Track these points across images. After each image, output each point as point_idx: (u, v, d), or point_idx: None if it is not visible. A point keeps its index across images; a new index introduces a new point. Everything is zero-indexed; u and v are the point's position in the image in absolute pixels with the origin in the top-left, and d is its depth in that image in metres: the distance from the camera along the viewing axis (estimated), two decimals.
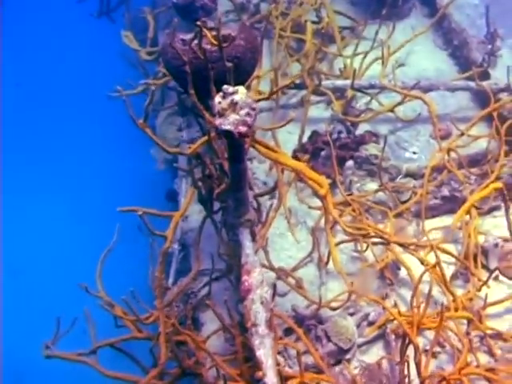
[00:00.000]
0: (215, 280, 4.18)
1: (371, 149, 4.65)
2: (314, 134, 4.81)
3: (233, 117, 2.66)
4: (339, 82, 5.06)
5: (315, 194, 3.81)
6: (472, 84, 4.97)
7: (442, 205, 4.52)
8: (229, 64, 3.02)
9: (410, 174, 4.65)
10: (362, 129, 4.99)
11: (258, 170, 4.85)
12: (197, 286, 4.24)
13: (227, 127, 2.65)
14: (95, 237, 4.75)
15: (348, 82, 5.00)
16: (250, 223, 3.18)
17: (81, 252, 6.52)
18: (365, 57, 5.29)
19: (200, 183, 3.59)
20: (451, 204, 4.50)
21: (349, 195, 4.49)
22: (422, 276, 3.62)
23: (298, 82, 5.09)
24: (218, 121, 2.67)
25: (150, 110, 3.31)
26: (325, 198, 3.19)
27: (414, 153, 4.87)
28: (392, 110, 4.83)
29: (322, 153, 4.71)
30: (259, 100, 3.28)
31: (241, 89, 2.77)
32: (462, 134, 4.51)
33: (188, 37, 3.67)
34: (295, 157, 4.78)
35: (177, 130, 5.28)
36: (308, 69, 5.04)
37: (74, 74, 8.35)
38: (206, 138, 3.40)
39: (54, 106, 8.41)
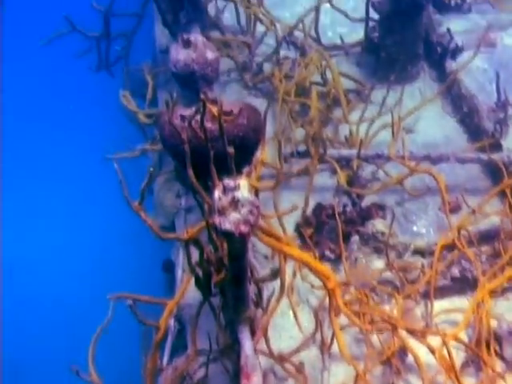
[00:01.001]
0: (212, 361, 3.96)
1: (378, 224, 4.48)
2: (318, 206, 4.64)
3: (234, 216, 2.49)
4: (345, 152, 4.91)
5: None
6: (484, 156, 4.80)
7: (452, 285, 4.32)
8: (230, 149, 2.84)
9: (418, 251, 4.46)
10: (368, 199, 4.80)
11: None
12: (192, 368, 4.02)
13: (227, 227, 2.47)
14: None
15: (354, 151, 4.85)
16: (249, 320, 2.99)
17: None
18: (371, 123, 5.13)
19: (197, 268, 3.40)
20: (461, 284, 4.31)
21: None
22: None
23: (301, 149, 4.94)
24: (217, 219, 2.49)
25: (146, 192, 3.13)
26: (332, 292, 3.00)
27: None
28: (400, 183, 4.64)
29: (327, 227, 4.51)
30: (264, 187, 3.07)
31: (242, 183, 2.59)
32: (474, 212, 4.33)
33: (187, 112, 3.52)
34: (298, 231, 4.62)
35: (175, 196, 5.10)
36: (312, 136, 4.88)
37: (71, 132, 8.32)
38: (204, 223, 3.21)
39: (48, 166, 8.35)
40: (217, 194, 2.59)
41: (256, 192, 2.92)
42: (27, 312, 8.93)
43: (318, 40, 6.20)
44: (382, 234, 4.44)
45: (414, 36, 5.61)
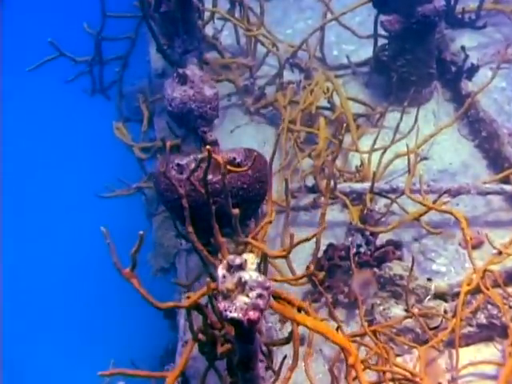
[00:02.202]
0: None
1: (395, 267, 4.16)
2: (330, 247, 4.33)
3: (241, 300, 2.18)
4: (357, 186, 4.60)
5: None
6: (507, 188, 4.49)
7: (479, 332, 4.00)
8: (235, 211, 2.53)
9: (439, 295, 4.14)
10: (383, 235, 4.51)
11: None
12: None
13: (234, 315, 2.16)
14: None
15: (366, 185, 4.53)
16: None
17: None
18: (384, 152, 4.83)
19: (201, 334, 3.09)
20: (489, 331, 4.00)
21: (370, 321, 4.00)
22: None
23: (310, 184, 4.64)
24: (222, 304, 2.19)
25: (137, 258, 2.80)
26: (353, 367, 2.69)
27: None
28: (417, 219, 4.32)
29: (340, 270, 4.22)
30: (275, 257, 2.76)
31: (250, 259, 2.28)
32: (500, 253, 4.02)
33: (185, 161, 3.22)
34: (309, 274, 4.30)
35: (174, 236, 4.79)
36: (321, 168, 4.58)
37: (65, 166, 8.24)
38: (205, 288, 2.90)
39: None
40: (221, 272, 2.28)
41: (265, 259, 2.60)
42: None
43: (323, 60, 5.88)
44: (400, 276, 4.12)
45: (426, 55, 5.31)
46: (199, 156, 3.29)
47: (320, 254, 4.36)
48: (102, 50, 5.82)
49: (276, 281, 3.01)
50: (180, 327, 4.38)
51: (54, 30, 5.70)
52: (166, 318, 4.87)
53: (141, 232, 2.63)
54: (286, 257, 2.74)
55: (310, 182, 4.81)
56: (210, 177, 3.09)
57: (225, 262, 2.31)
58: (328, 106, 5.37)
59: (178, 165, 3.21)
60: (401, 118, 4.86)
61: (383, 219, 4.67)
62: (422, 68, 5.35)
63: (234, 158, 3.20)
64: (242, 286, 2.22)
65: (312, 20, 6.58)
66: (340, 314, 4.27)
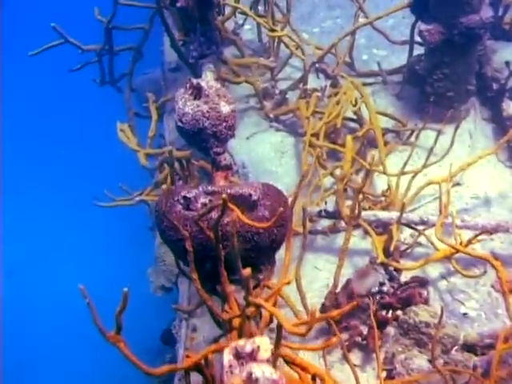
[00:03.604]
0: None
1: (422, 312, 3.74)
2: (349, 282, 3.92)
3: None
4: (383, 215, 4.17)
5: None
6: None
7: None
8: (246, 271, 2.12)
9: (468, 346, 3.73)
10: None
11: None
12: None
13: None
14: None
15: (394, 214, 4.11)
16: None
17: None
18: (414, 177, 4.40)
19: None
20: None
21: (389, 371, 3.60)
22: None
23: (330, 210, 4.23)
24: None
25: (122, 319, 2.39)
26: None
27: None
28: (448, 257, 3.91)
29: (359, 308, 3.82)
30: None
31: (263, 345, 1.88)
32: None
33: (193, 194, 2.80)
34: (323, 311, 3.92)
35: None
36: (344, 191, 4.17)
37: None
38: (210, 349, 2.50)
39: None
40: (227, 359, 1.88)
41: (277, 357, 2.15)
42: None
43: (351, 64, 5.44)
44: (426, 324, 3.71)
45: (465, 69, 4.88)
46: (210, 188, 2.87)
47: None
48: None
49: (292, 348, 2.60)
50: (178, 359, 4.01)
51: (60, 17, 5.24)
52: (164, 344, 4.49)
53: (125, 289, 2.24)
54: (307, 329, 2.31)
55: (330, 202, 4.38)
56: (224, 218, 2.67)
57: (233, 346, 1.91)
58: (354, 117, 4.92)
59: (185, 198, 2.80)
60: (435, 142, 4.41)
61: (409, 251, 4.27)
62: (461, 83, 4.92)
63: (250, 195, 2.79)
64: (252, 382, 1.82)
65: (341, 19, 6.16)
66: (356, 357, 3.88)
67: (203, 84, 3.33)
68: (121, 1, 5.06)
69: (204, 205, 2.84)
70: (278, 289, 2.45)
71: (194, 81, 3.36)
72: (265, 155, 5.06)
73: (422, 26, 4.75)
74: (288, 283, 2.44)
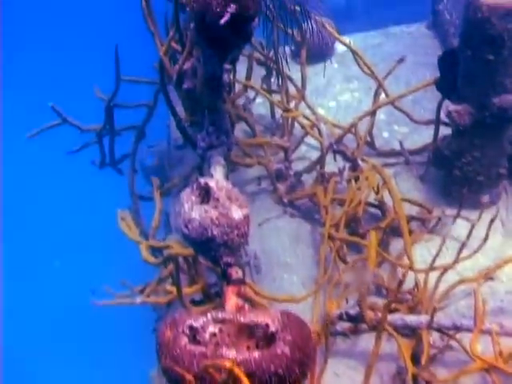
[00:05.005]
0: None
1: None
2: None
3: None
4: (411, 319, 3.78)
5: None
6: None
7: None
8: None
9: None
10: None
11: None
12: None
13: None
14: None
15: (423, 318, 3.73)
16: None
17: None
18: (444, 273, 4.03)
19: None
20: None
21: None
22: None
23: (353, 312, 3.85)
24: None
25: None
26: None
27: None
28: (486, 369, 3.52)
29: None
30: None
31: None
32: None
33: (200, 322, 2.44)
34: None
35: None
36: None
37: None
38: None
39: None
40: None
41: None
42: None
43: (371, 143, 5.11)
44: None
45: (497, 152, 4.54)
46: (220, 315, 2.51)
47: None
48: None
49: None
50: None
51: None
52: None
53: None
54: None
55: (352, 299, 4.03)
56: (231, 353, 2.30)
57: None
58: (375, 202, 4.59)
59: (191, 327, 2.42)
60: (468, 237, 4.03)
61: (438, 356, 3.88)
62: (491, 167, 4.57)
63: (267, 326, 2.41)
64: None
65: (359, 92, 5.86)
66: None
67: (212, 185, 2.99)
68: (124, 77, 4.76)
69: (213, 335, 2.47)
70: None
71: (202, 180, 3.03)
72: (279, 244, 4.72)
73: (449, 105, 4.42)
74: None
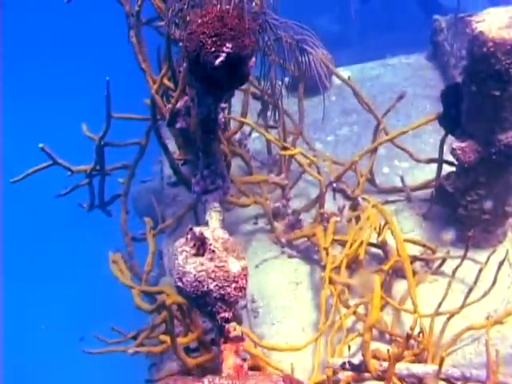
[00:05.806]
0: None
1: None
2: None
3: None
4: (417, 368, 3.61)
5: None
6: None
7: None
8: None
9: None
10: None
11: None
12: None
13: None
14: None
15: (430, 367, 3.56)
16: None
17: None
18: (450, 318, 3.87)
19: None
20: None
21: None
22: None
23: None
24: None
25: None
26: None
27: None
28: None
29: None
30: None
31: None
32: None
33: None
34: None
35: None
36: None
37: None
38: None
39: None
40: None
41: None
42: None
43: (372, 180, 4.96)
44: None
45: (503, 189, 4.39)
46: (218, 382, 2.34)
47: None
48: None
49: None
50: None
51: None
52: None
53: None
54: None
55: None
56: None
57: None
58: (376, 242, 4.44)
59: None
60: (475, 282, 3.88)
61: None
62: (498, 205, 4.40)
63: None
64: None
65: (358, 126, 5.71)
66: None
67: (208, 235, 2.83)
68: (114, 115, 4.61)
69: None
70: None
71: (197, 230, 2.86)
72: (277, 286, 4.56)
73: (454, 142, 4.28)
74: None
